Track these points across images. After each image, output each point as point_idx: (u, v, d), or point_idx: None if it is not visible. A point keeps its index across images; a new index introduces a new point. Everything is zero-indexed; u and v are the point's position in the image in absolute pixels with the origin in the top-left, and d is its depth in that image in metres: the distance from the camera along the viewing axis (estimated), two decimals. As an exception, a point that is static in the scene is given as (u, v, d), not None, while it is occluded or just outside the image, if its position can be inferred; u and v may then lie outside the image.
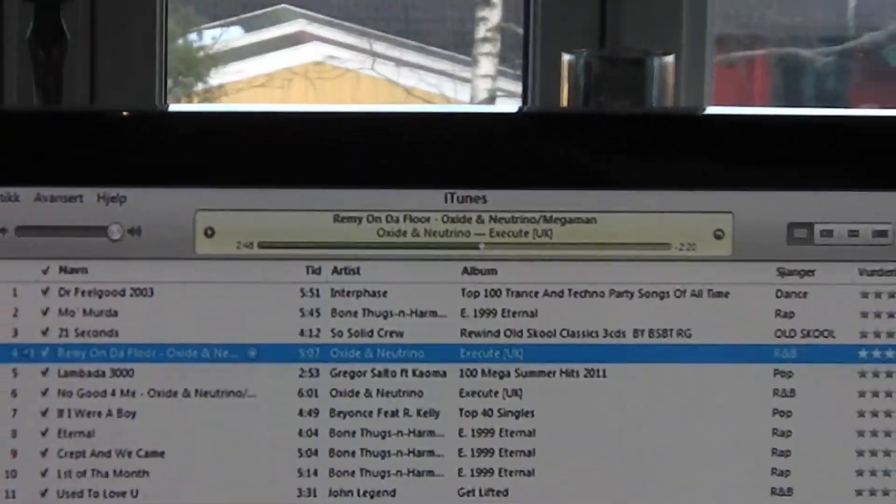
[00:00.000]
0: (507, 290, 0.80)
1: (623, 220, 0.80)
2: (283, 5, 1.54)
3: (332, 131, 0.83)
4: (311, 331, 0.80)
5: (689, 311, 0.81)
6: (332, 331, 0.80)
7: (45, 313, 0.80)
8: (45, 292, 0.79)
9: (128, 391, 0.80)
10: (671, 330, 0.81)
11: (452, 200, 0.80)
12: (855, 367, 0.82)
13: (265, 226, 0.80)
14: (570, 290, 0.81)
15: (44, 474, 0.80)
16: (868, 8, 1.54)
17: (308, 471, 0.81)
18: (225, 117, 0.87)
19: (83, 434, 0.80)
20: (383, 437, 0.81)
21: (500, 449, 0.81)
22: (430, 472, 0.81)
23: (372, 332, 0.80)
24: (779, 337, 0.81)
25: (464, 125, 0.85)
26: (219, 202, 0.79)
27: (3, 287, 0.79)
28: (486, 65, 1.51)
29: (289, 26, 1.54)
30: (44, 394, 0.80)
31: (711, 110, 1.17)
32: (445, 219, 0.80)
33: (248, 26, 1.54)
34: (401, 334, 0.80)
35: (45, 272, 0.79)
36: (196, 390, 0.80)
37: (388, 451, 0.81)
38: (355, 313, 0.80)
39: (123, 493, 0.80)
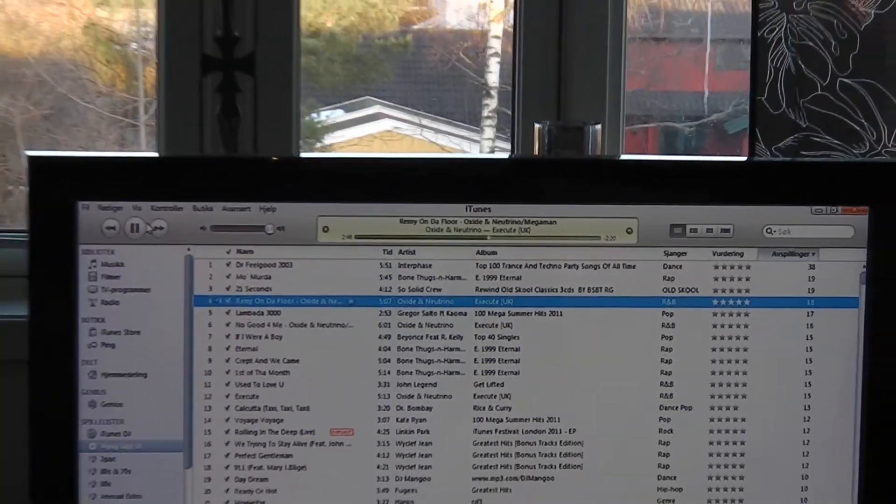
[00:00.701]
0: (503, 263, 1.33)
1: (572, 222, 1.33)
2: (367, 97, 2.10)
3: (398, 169, 1.37)
4: (386, 288, 1.33)
5: (612, 276, 1.34)
6: (398, 288, 1.33)
7: (227, 277, 1.32)
8: (228, 264, 1.32)
9: (276, 324, 1.32)
10: (601, 287, 1.34)
11: (470, 210, 1.33)
12: (710, 310, 1.35)
13: (359, 224, 1.32)
14: (540, 263, 1.33)
15: (227, 373, 1.32)
16: (715, 98, 2.15)
17: (383, 371, 1.33)
18: (331, 161, 1.42)
19: (250, 349, 1.32)
20: (429, 352, 1.33)
21: (499, 358, 1.34)
22: (457, 372, 1.33)
23: (422, 288, 1.33)
24: (664, 292, 1.34)
25: (477, 167, 1.40)
26: (331, 210, 1.32)
27: (204, 261, 1.32)
28: (489, 132, 2.04)
29: (371, 109, 2.09)
30: (227, 325, 1.32)
31: (624, 158, 1.72)
32: (466, 221, 1.32)
33: (347, 109, 2.11)
34: (439, 290, 1.33)
35: (228, 252, 1.32)
36: (318, 323, 1.32)
37: (432, 360, 1.33)
38: (412, 277, 1.33)
39: (274, 385, 1.33)
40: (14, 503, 1.38)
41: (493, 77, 2.13)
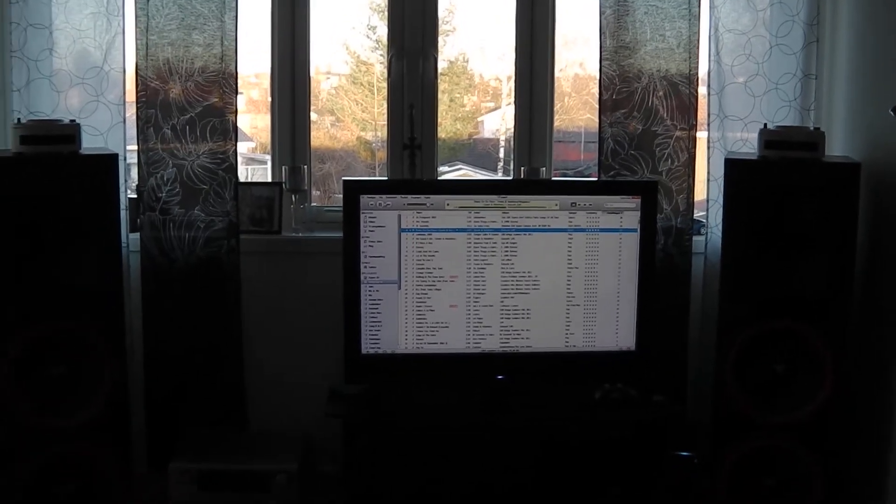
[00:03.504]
0: (511, 217, 3.78)
1: (536, 200, 3.79)
2: (460, 164, 4.61)
3: (475, 182, 3.83)
4: (468, 225, 3.77)
5: (548, 221, 3.78)
6: (472, 223, 3.77)
7: (412, 221, 3.76)
8: (412, 216, 3.77)
9: (429, 240, 3.77)
10: (546, 226, 3.79)
11: (504, 198, 3.78)
12: (584, 234, 3.81)
13: (461, 201, 3.77)
14: (524, 216, 3.79)
15: (414, 257, 3.77)
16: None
17: (469, 258, 3.78)
18: (450, 181, 3.91)
19: (422, 250, 3.77)
20: (482, 247, 3.79)
21: (509, 252, 3.79)
22: (493, 254, 3.78)
23: (482, 226, 3.78)
24: (568, 225, 3.80)
25: (502, 182, 3.88)
26: (451, 196, 3.77)
27: (405, 214, 3.76)
28: (500, 174, 4.55)
29: (457, 172, 4.60)
30: (412, 240, 3.76)
31: (553, 179, 4.23)
32: (498, 200, 3.78)
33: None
34: (489, 223, 3.78)
35: (414, 212, 3.76)
36: (445, 237, 3.77)
37: (484, 252, 3.78)
38: (479, 220, 3.78)
39: (429, 258, 3.77)
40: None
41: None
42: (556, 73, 4.37)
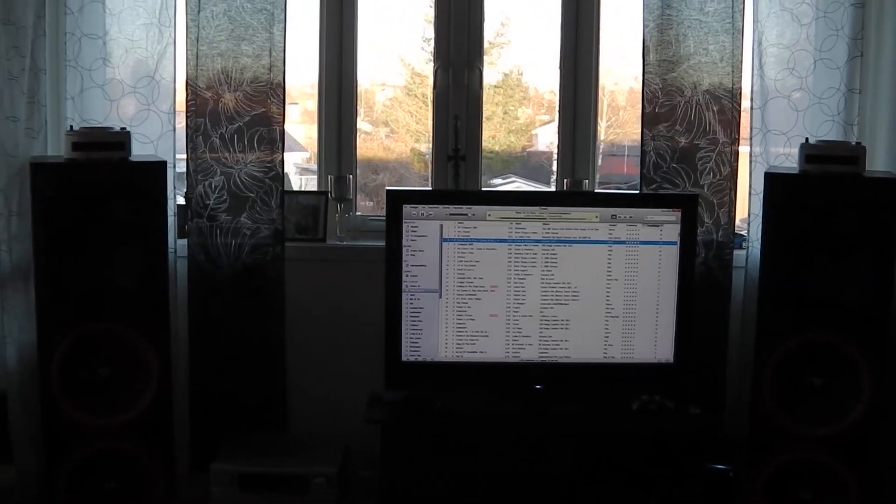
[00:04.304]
0: (551, 228, 3.82)
1: (576, 211, 3.83)
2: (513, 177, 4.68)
3: (516, 193, 3.88)
4: (509, 235, 3.82)
5: (588, 232, 3.82)
6: (513, 234, 3.82)
7: (454, 230, 3.81)
8: (454, 226, 3.82)
9: (471, 250, 3.81)
10: (586, 237, 3.83)
11: (545, 210, 3.83)
12: (624, 246, 3.83)
13: (502, 212, 3.82)
14: (563, 228, 3.83)
15: (455, 267, 3.82)
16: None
17: (509, 266, 3.83)
18: (492, 192, 3.96)
19: (463, 259, 3.82)
20: (522, 258, 3.83)
21: (549, 262, 3.83)
22: (532, 265, 3.83)
23: (522, 236, 3.82)
24: (609, 237, 3.83)
25: (547, 194, 3.92)
26: (492, 208, 3.82)
27: (447, 224, 3.81)
28: (553, 187, 4.60)
29: (511, 184, 4.66)
30: (454, 249, 3.82)
31: (595, 191, 4.26)
32: (539, 212, 3.82)
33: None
34: (530, 235, 3.82)
35: (456, 222, 3.82)
36: (486, 248, 3.82)
37: (525, 262, 3.83)
38: (520, 231, 3.82)
39: (469, 268, 3.82)
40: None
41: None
42: (611, 87, 4.43)
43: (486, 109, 4.43)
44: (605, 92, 4.59)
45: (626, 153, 4.68)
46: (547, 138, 4.68)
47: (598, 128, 4.44)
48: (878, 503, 3.75)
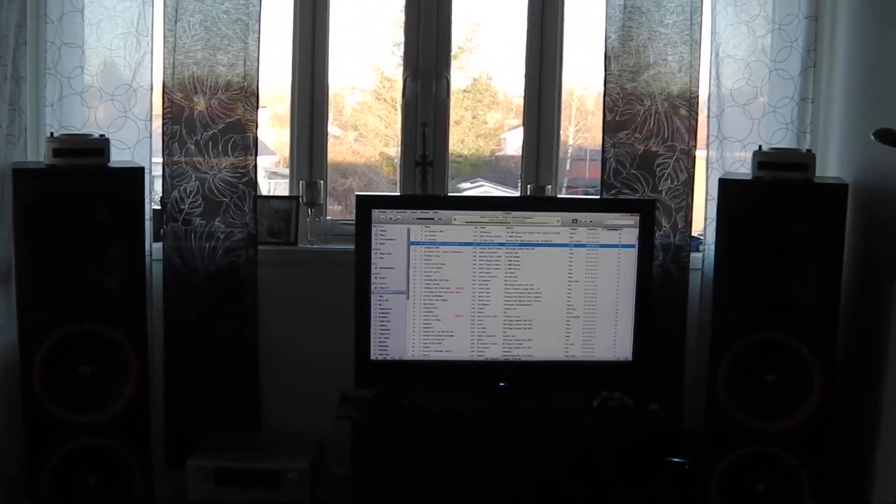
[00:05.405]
0: (515, 231, 3.97)
1: (539, 215, 3.97)
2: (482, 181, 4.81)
3: (484, 198, 4.02)
4: (475, 239, 3.96)
5: (550, 236, 3.96)
6: (478, 238, 3.96)
7: (420, 234, 3.95)
8: (421, 230, 3.95)
9: (437, 253, 3.95)
10: (548, 241, 3.97)
11: (509, 214, 3.97)
12: (584, 249, 3.98)
13: (467, 216, 3.96)
14: (527, 232, 3.97)
15: (422, 270, 3.95)
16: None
17: (475, 269, 3.97)
18: (458, 198, 4.11)
19: (429, 261, 3.96)
20: (488, 261, 3.97)
21: (513, 264, 3.97)
22: (497, 267, 3.97)
23: (487, 239, 3.96)
24: (569, 240, 3.97)
25: (508, 199, 4.07)
26: (458, 212, 3.96)
27: (414, 228, 3.95)
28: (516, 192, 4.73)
29: (479, 189, 4.79)
30: (420, 252, 3.95)
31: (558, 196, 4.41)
32: (503, 217, 3.96)
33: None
34: (494, 238, 3.96)
35: (423, 226, 3.95)
36: (452, 251, 3.96)
37: (490, 264, 3.97)
38: (485, 235, 3.96)
39: (436, 270, 3.96)
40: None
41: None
42: (580, 92, 4.58)
43: (456, 114, 4.58)
44: (574, 97, 4.76)
45: (593, 157, 4.81)
46: (516, 142, 4.80)
47: (567, 132, 4.60)
48: (828, 494, 3.90)
